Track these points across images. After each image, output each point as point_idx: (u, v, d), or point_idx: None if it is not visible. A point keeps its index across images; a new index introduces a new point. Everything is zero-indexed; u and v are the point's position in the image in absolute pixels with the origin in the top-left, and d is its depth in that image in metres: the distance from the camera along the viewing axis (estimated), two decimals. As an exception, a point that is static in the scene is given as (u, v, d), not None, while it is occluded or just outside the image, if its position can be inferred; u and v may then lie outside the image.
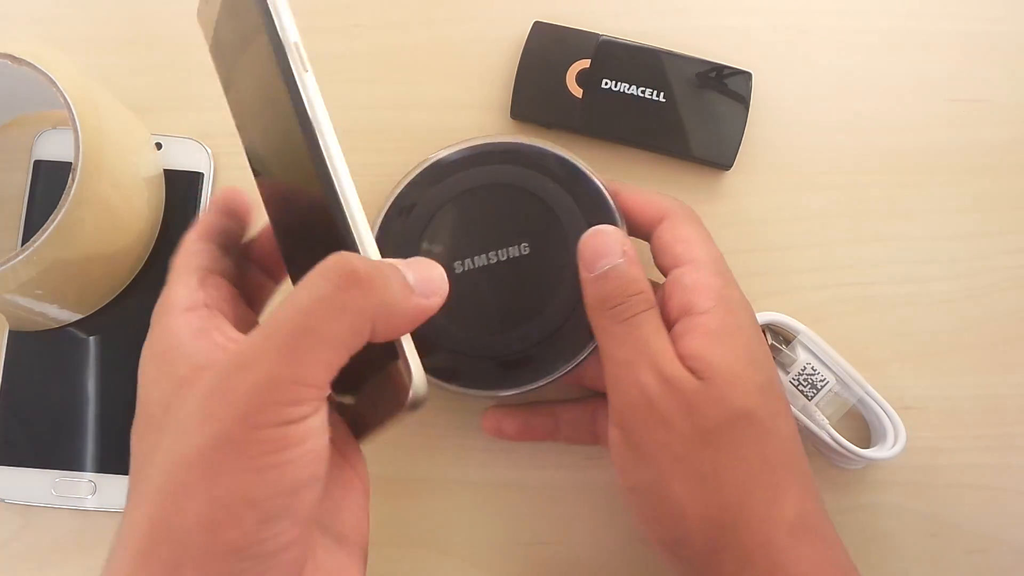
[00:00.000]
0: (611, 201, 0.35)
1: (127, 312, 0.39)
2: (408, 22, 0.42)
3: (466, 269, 0.35)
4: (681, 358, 0.30)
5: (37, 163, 0.40)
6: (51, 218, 0.32)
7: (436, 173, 0.36)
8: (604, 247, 0.32)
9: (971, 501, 0.38)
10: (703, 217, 0.40)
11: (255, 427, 0.22)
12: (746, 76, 0.40)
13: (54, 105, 0.33)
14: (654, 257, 0.34)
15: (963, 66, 0.41)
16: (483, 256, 0.35)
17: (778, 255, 0.40)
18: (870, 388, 0.37)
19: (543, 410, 0.37)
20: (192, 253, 0.29)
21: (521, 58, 0.40)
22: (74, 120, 0.33)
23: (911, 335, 0.39)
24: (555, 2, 0.41)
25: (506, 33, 0.41)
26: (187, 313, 0.27)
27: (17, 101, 0.38)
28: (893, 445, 0.36)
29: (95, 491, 0.37)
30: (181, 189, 0.40)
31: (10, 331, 0.39)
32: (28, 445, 0.38)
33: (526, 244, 0.35)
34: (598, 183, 0.35)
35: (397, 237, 0.36)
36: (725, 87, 0.40)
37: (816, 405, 0.37)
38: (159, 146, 0.40)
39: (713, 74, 0.40)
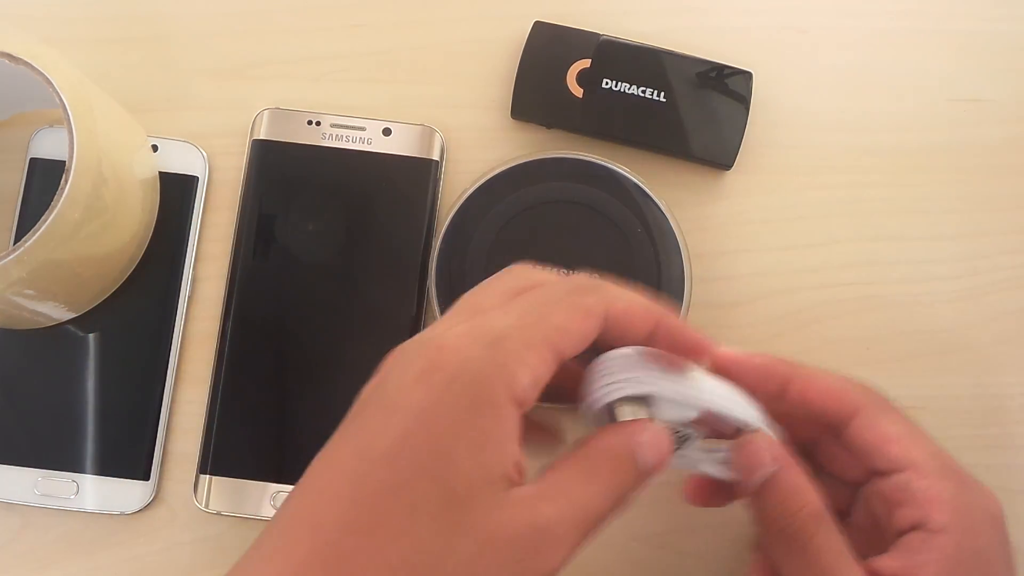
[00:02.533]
0: (675, 231, 0.37)
1: (118, 313, 0.39)
2: (408, 22, 0.42)
3: None
4: (894, 575, 0.27)
5: (33, 161, 0.40)
6: (43, 218, 0.32)
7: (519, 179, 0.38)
8: (754, 457, 0.28)
9: (971, 501, 0.38)
10: (703, 217, 0.40)
11: None
12: (746, 76, 0.40)
13: (51, 103, 0.33)
14: (856, 457, 0.30)
15: (963, 66, 0.41)
16: (554, 270, 0.36)
17: (778, 255, 0.40)
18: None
19: None
20: (565, 332, 0.25)
21: (521, 58, 0.40)
22: (69, 121, 0.33)
23: (911, 335, 0.39)
24: (555, 2, 0.41)
25: (506, 33, 0.41)
26: (515, 407, 0.23)
27: (14, 99, 0.38)
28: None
29: (77, 491, 0.37)
30: (176, 192, 0.40)
31: (0, 329, 0.38)
32: (13, 443, 0.38)
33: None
34: (665, 213, 0.37)
35: (464, 237, 0.37)
36: (725, 87, 0.40)
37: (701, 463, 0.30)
38: (155, 148, 0.40)
39: (713, 74, 0.40)
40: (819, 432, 0.31)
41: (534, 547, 0.22)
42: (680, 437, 0.28)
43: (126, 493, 0.37)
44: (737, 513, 0.37)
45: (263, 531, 0.23)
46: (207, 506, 0.37)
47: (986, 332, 0.39)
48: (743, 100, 0.40)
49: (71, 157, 0.33)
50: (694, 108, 0.39)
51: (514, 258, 0.37)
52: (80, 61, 0.37)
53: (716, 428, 0.29)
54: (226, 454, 0.37)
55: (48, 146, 0.40)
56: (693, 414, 0.27)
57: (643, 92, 0.39)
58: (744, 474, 0.28)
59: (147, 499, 0.37)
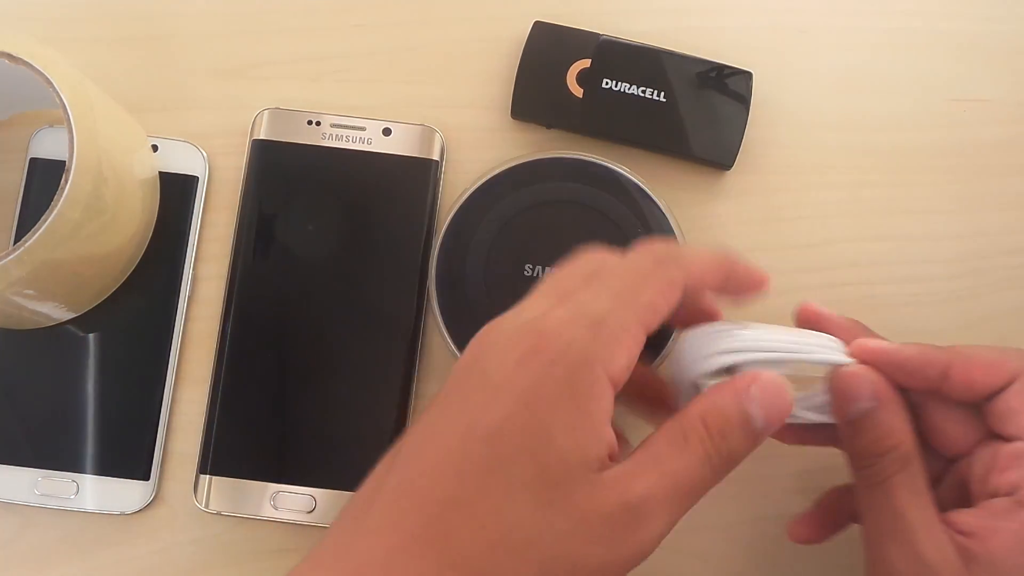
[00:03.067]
0: (675, 231, 0.37)
1: (118, 313, 0.39)
2: (408, 22, 0.42)
3: (535, 276, 0.37)
4: (971, 534, 0.27)
5: (33, 161, 0.40)
6: (43, 218, 0.32)
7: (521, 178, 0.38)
8: (854, 388, 0.28)
9: (971, 501, 0.38)
10: (703, 217, 0.40)
11: (628, 566, 0.23)
12: (746, 76, 0.40)
13: (51, 103, 0.33)
14: (988, 416, 0.29)
15: (963, 66, 0.41)
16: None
17: (778, 255, 0.40)
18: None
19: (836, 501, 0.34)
20: (655, 309, 0.25)
21: (521, 58, 0.40)
22: (69, 120, 0.33)
23: (911, 335, 0.39)
24: (555, 2, 0.41)
25: (506, 33, 0.41)
26: (611, 387, 0.24)
27: (14, 99, 0.38)
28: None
29: (77, 491, 0.37)
30: (176, 192, 0.40)
31: (0, 329, 0.38)
32: (13, 443, 0.38)
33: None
34: (664, 211, 0.38)
35: (467, 237, 0.37)
36: (725, 87, 0.40)
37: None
38: (155, 148, 0.40)
39: (713, 74, 0.40)
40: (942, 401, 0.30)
41: (626, 524, 0.23)
42: None
43: (126, 493, 0.37)
44: (737, 513, 0.38)
45: (359, 503, 0.24)
46: (207, 506, 0.37)
47: (986, 332, 0.39)
48: (743, 100, 0.40)
49: (71, 157, 0.33)
50: (694, 108, 0.39)
51: (514, 258, 0.37)
52: (80, 61, 0.37)
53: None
54: (226, 454, 0.37)
55: (48, 146, 0.40)
56: (784, 369, 0.27)
57: (643, 92, 0.39)
58: (839, 405, 0.28)
59: (147, 499, 0.37)
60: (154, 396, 0.38)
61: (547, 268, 0.37)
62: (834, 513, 0.33)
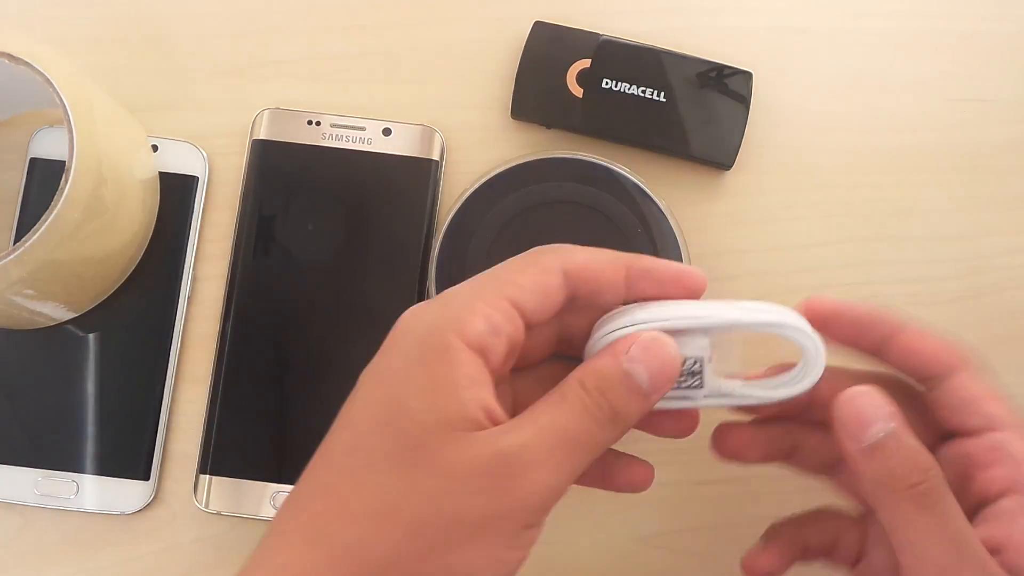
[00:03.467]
0: (675, 231, 0.37)
1: (118, 313, 0.39)
2: (408, 22, 0.42)
3: None
4: (999, 549, 0.25)
5: (33, 161, 0.40)
6: (43, 218, 0.32)
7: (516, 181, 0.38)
8: (870, 411, 0.26)
9: (971, 501, 0.38)
10: (703, 217, 0.40)
11: (516, 522, 0.23)
12: (746, 76, 0.40)
13: (51, 104, 0.33)
14: (941, 412, 0.29)
15: (963, 66, 0.41)
16: None
17: (778, 255, 0.40)
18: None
19: (780, 428, 0.32)
20: (517, 284, 0.25)
21: (521, 58, 0.40)
22: (69, 121, 0.33)
23: (911, 335, 0.39)
24: (555, 2, 0.41)
25: (506, 33, 0.41)
26: (472, 352, 0.24)
27: (14, 99, 0.38)
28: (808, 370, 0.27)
29: (77, 491, 0.37)
30: (176, 192, 0.40)
31: (0, 329, 0.38)
32: (13, 443, 0.38)
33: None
34: (661, 206, 0.38)
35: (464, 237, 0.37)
36: (725, 87, 0.40)
37: (706, 393, 0.27)
38: (155, 148, 0.40)
39: (713, 74, 0.40)
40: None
41: (504, 474, 0.23)
42: (691, 371, 0.26)
43: (126, 493, 0.37)
44: (738, 514, 0.38)
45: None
46: (207, 506, 0.37)
47: (986, 332, 0.39)
48: (743, 100, 0.40)
49: (71, 157, 0.33)
50: (694, 108, 0.39)
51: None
52: (80, 61, 0.37)
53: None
54: (226, 454, 0.37)
55: (48, 146, 0.40)
56: (704, 339, 0.26)
57: (643, 92, 0.39)
58: (860, 427, 0.26)
59: (147, 499, 0.37)
60: (154, 396, 0.38)
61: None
62: (789, 545, 0.31)
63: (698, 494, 0.38)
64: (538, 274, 0.26)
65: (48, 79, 0.33)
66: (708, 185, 0.40)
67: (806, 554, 0.31)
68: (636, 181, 0.38)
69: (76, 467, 0.37)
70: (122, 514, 0.37)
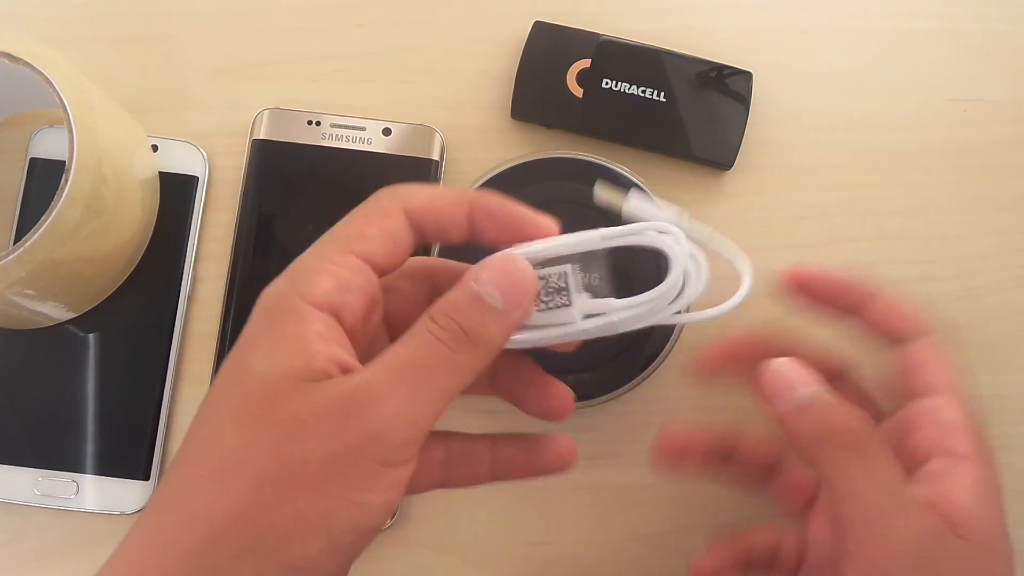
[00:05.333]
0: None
1: (118, 313, 0.39)
2: (408, 22, 0.42)
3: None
4: (932, 504, 0.26)
5: (33, 161, 0.40)
6: (43, 218, 0.32)
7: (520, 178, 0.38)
8: (793, 376, 0.27)
9: (971, 501, 0.38)
10: (703, 217, 0.40)
11: (370, 460, 0.22)
12: (746, 76, 0.40)
13: (51, 103, 0.33)
14: (892, 374, 0.30)
15: (963, 66, 0.41)
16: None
17: (778, 255, 0.40)
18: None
19: (716, 434, 0.33)
20: (361, 236, 0.25)
21: (521, 58, 0.40)
22: (69, 121, 0.33)
23: (911, 335, 0.39)
24: (555, 2, 0.41)
25: (506, 33, 0.41)
26: (321, 312, 0.24)
27: (14, 99, 0.38)
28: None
29: (77, 491, 0.37)
30: (176, 192, 0.40)
31: (0, 329, 0.38)
32: (13, 443, 0.38)
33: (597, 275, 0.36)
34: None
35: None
36: (725, 87, 0.40)
37: (579, 311, 0.26)
38: (155, 148, 0.40)
39: (713, 74, 0.40)
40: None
41: (348, 412, 0.22)
42: (556, 287, 0.26)
43: (126, 493, 0.37)
44: (735, 514, 0.38)
45: None
46: (207, 506, 0.37)
47: (986, 332, 0.39)
48: (743, 100, 0.40)
49: (71, 157, 0.33)
50: (694, 108, 0.39)
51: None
52: (80, 61, 0.37)
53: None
54: (226, 454, 0.37)
55: (48, 146, 0.40)
56: (567, 264, 0.26)
57: (643, 92, 0.39)
58: (783, 391, 0.27)
59: (147, 499, 0.37)
60: (154, 396, 0.38)
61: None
62: (732, 552, 0.32)
63: (698, 494, 0.38)
64: (381, 220, 0.25)
65: (48, 79, 0.33)
66: (708, 185, 0.40)
67: (749, 563, 0.32)
68: (636, 181, 0.38)
69: (76, 467, 0.37)
70: (122, 514, 0.37)
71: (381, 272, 0.25)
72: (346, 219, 0.26)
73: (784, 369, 0.27)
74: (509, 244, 0.26)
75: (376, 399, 0.23)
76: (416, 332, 0.24)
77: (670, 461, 0.32)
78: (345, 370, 0.23)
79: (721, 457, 0.33)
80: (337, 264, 0.24)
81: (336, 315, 0.24)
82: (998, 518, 0.27)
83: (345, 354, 0.24)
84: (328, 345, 0.23)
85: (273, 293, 0.24)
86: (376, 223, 0.25)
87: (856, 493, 0.26)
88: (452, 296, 0.24)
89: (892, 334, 0.31)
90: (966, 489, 0.26)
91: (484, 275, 0.24)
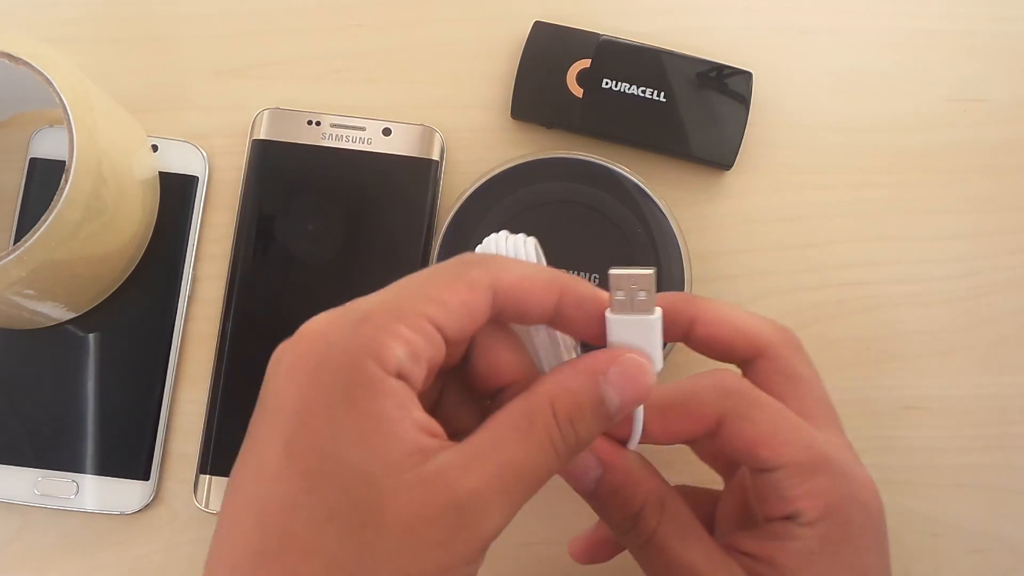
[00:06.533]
0: (675, 231, 0.37)
1: (118, 313, 0.39)
2: (408, 22, 0.42)
3: None
4: (756, 557, 0.26)
5: (33, 161, 0.40)
6: (42, 218, 0.32)
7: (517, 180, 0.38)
8: (579, 464, 0.26)
9: (971, 501, 0.38)
10: (703, 217, 0.40)
11: (465, 564, 0.21)
12: (746, 76, 0.40)
13: (52, 103, 0.33)
14: (723, 460, 0.30)
15: (963, 66, 0.41)
16: None
17: (778, 255, 0.40)
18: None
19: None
20: (441, 303, 0.22)
21: (521, 58, 0.40)
22: (69, 121, 0.33)
23: (911, 335, 0.39)
24: (555, 2, 0.41)
25: (506, 33, 0.41)
26: (397, 381, 0.21)
27: (15, 99, 0.38)
28: None
29: (77, 491, 0.37)
30: (176, 192, 0.40)
31: (0, 329, 0.38)
32: (13, 443, 0.38)
33: (596, 276, 0.37)
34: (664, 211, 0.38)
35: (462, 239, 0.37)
36: (725, 87, 0.40)
37: None
38: (155, 148, 0.40)
39: (713, 74, 0.40)
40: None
41: (459, 524, 0.21)
42: None
43: (126, 493, 0.37)
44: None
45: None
46: (207, 506, 0.37)
47: (986, 332, 0.39)
48: (743, 100, 0.40)
49: (71, 157, 0.32)
50: (694, 108, 0.39)
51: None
52: (80, 61, 0.37)
53: None
54: (226, 454, 0.37)
55: (48, 146, 0.40)
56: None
57: (643, 92, 0.39)
58: (580, 477, 0.26)
59: (147, 499, 0.37)
60: (154, 396, 0.38)
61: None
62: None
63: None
64: (465, 291, 0.23)
65: (48, 79, 0.33)
66: (708, 185, 0.40)
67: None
68: (636, 181, 0.38)
69: (76, 467, 0.37)
70: (122, 514, 0.37)
71: (448, 342, 0.23)
72: (428, 274, 0.23)
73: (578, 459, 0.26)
74: (593, 338, 0.25)
75: (485, 511, 0.21)
76: (538, 430, 0.22)
77: (592, 562, 0.32)
78: (430, 432, 0.22)
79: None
80: (412, 328, 0.22)
81: (405, 381, 0.22)
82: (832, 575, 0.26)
83: (424, 416, 0.22)
84: (411, 415, 0.21)
85: (340, 349, 0.21)
86: (460, 294, 0.23)
87: (654, 572, 0.26)
88: (579, 392, 0.23)
89: (726, 355, 0.28)
90: (793, 552, 0.25)
91: (613, 376, 0.23)
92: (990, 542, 0.38)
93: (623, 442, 0.27)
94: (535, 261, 0.25)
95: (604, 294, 0.24)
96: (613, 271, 0.24)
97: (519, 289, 0.23)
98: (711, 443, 0.27)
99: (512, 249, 0.25)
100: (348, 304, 0.23)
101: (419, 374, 0.22)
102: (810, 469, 0.26)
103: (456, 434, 0.23)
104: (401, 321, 0.22)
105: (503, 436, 0.22)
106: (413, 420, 0.21)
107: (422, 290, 0.23)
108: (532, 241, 0.26)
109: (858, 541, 0.26)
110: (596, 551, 0.32)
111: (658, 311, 0.24)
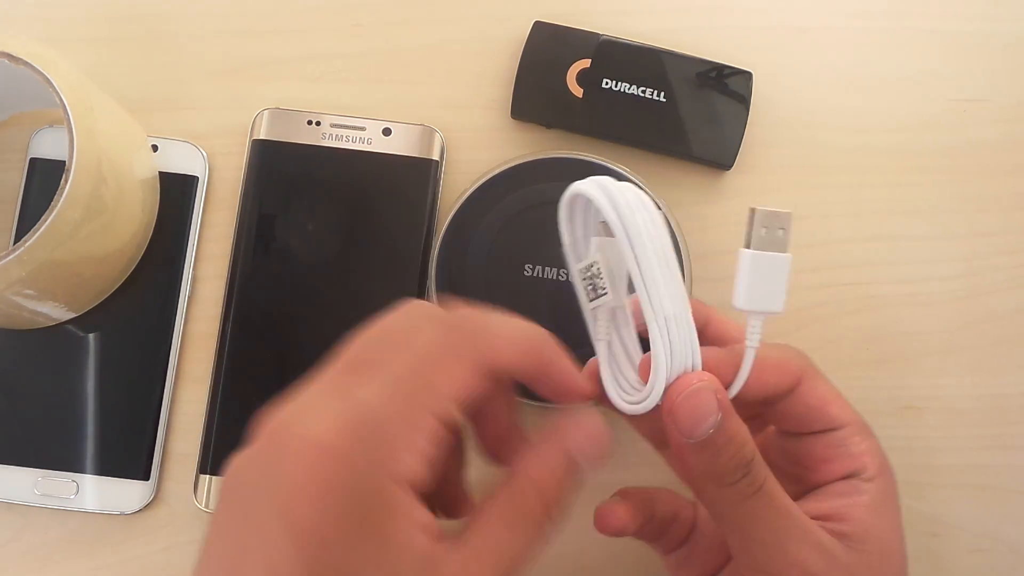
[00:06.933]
0: (675, 231, 0.37)
1: (118, 313, 0.39)
2: (408, 22, 0.42)
3: (535, 276, 0.37)
4: (828, 517, 0.28)
5: (33, 161, 0.40)
6: (42, 218, 0.32)
7: (518, 179, 0.38)
8: (702, 408, 0.26)
9: (971, 501, 0.38)
10: (703, 217, 0.40)
11: None
12: (746, 76, 0.40)
13: (52, 103, 0.33)
14: (787, 420, 0.30)
15: (962, 66, 0.41)
16: (554, 270, 0.37)
17: (778, 255, 0.40)
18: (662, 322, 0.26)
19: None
20: (440, 394, 0.23)
21: (521, 58, 0.40)
22: (69, 121, 0.33)
23: (911, 335, 0.39)
24: (555, 2, 0.41)
25: (506, 33, 0.41)
26: (411, 494, 0.22)
27: (15, 99, 0.38)
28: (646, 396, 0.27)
29: (77, 491, 0.37)
30: (176, 192, 0.40)
31: (0, 329, 0.38)
32: (13, 443, 0.38)
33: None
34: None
35: (464, 241, 0.37)
36: (725, 87, 0.40)
37: (595, 312, 0.28)
38: (155, 148, 0.40)
39: (713, 74, 0.40)
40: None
41: None
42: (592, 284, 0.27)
43: (126, 493, 0.37)
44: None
45: None
46: (207, 506, 0.37)
47: (986, 332, 0.39)
48: (743, 100, 0.40)
49: (71, 157, 0.33)
50: (694, 108, 0.39)
51: (514, 258, 0.37)
52: (80, 61, 0.37)
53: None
54: (226, 454, 0.37)
55: (48, 146, 0.40)
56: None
57: (643, 92, 0.39)
58: (692, 425, 0.26)
59: (147, 499, 0.37)
60: (154, 396, 0.38)
61: (547, 268, 0.37)
62: (640, 507, 0.32)
63: (698, 494, 0.38)
64: (464, 377, 0.23)
65: (48, 79, 0.33)
66: (708, 185, 0.40)
67: (651, 523, 0.32)
68: (636, 181, 0.38)
69: (76, 467, 0.37)
70: (122, 514, 0.37)
71: (447, 426, 0.23)
72: (430, 365, 0.23)
73: (697, 397, 0.26)
74: (558, 398, 0.27)
75: None
76: (529, 524, 0.24)
77: (613, 535, 0.32)
78: (435, 535, 0.22)
79: (659, 529, 0.33)
80: (424, 436, 0.22)
81: (417, 487, 0.22)
82: (893, 529, 0.29)
83: (430, 517, 0.23)
84: (422, 517, 0.22)
85: (359, 474, 0.21)
86: (463, 382, 0.23)
87: (742, 528, 0.27)
88: (557, 469, 0.25)
89: (773, 395, 0.29)
90: (863, 506, 0.28)
91: (583, 442, 0.25)
92: (990, 542, 0.38)
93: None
94: (654, 218, 0.26)
95: (565, 359, 0.26)
96: (757, 207, 0.27)
97: (510, 361, 0.25)
98: (783, 404, 0.29)
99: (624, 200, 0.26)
100: (349, 401, 0.23)
101: (430, 475, 0.23)
102: (867, 431, 0.30)
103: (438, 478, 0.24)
104: (415, 430, 0.22)
105: (497, 534, 0.24)
106: (422, 528, 0.22)
107: (427, 384, 0.23)
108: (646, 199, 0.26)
109: (896, 500, 0.30)
110: (626, 523, 0.31)
111: (790, 253, 0.27)
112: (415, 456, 0.22)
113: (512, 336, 0.25)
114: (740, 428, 0.26)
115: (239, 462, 0.23)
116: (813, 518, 0.28)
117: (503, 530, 0.24)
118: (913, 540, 0.38)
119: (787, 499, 0.27)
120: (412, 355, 0.24)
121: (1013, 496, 0.38)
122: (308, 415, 0.23)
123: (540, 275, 0.37)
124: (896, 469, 0.38)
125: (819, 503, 0.29)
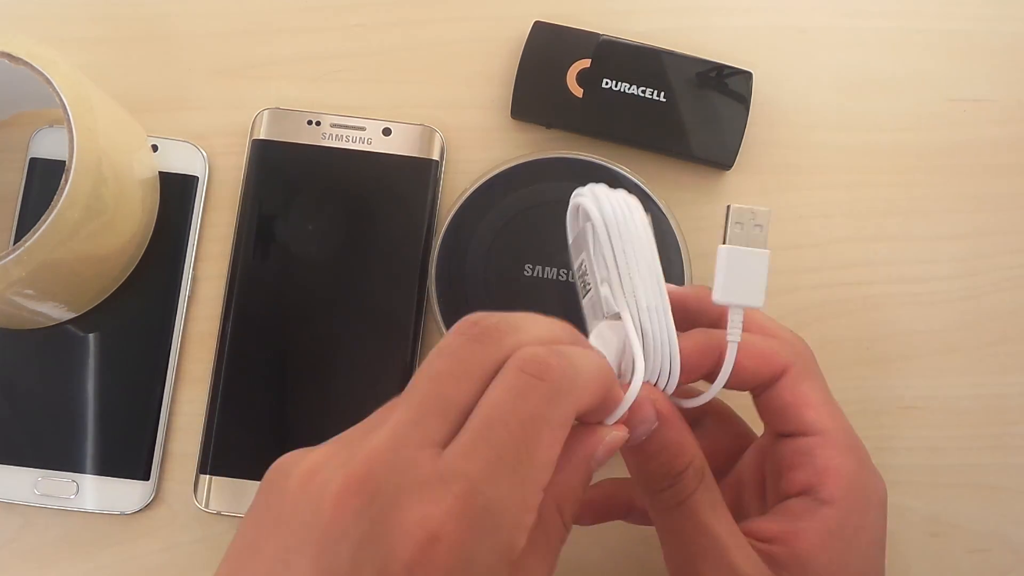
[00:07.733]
0: (675, 231, 0.37)
1: (118, 313, 0.39)
2: (408, 22, 0.42)
3: (535, 276, 0.37)
4: (773, 539, 0.26)
5: (33, 160, 0.40)
6: (42, 218, 0.32)
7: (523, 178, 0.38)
8: (639, 415, 0.25)
9: (971, 501, 0.38)
10: (703, 217, 0.40)
11: None
12: (746, 76, 0.40)
13: (52, 103, 0.33)
14: (764, 414, 0.29)
15: (962, 66, 0.41)
16: (554, 270, 0.37)
17: (778, 255, 0.39)
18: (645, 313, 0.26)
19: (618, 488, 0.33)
20: (548, 466, 0.22)
21: (521, 58, 0.40)
22: (69, 121, 0.33)
23: (911, 335, 0.39)
24: (555, 2, 0.41)
25: (506, 33, 0.41)
26: (517, 566, 0.22)
27: (15, 99, 0.38)
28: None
29: (77, 491, 0.37)
30: (176, 192, 0.40)
31: (0, 329, 0.38)
32: (13, 443, 0.38)
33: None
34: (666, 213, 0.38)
35: (466, 240, 0.37)
36: (725, 87, 0.40)
37: (585, 308, 0.29)
38: (155, 148, 0.40)
39: (713, 74, 0.40)
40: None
41: None
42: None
43: (126, 493, 0.37)
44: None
45: None
46: (207, 506, 0.37)
47: (986, 332, 0.39)
48: (743, 100, 0.40)
49: (71, 157, 0.33)
50: (694, 108, 0.39)
51: (514, 258, 0.37)
52: (80, 61, 0.37)
53: None
54: (226, 454, 0.37)
55: (48, 146, 0.40)
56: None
57: (643, 92, 0.39)
58: (631, 424, 0.26)
59: (147, 499, 0.37)
60: (154, 396, 0.38)
61: (547, 268, 0.37)
62: (608, 502, 0.32)
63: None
64: (560, 439, 0.22)
65: (48, 79, 0.33)
66: (708, 185, 0.40)
67: (631, 511, 0.32)
68: (636, 181, 0.38)
69: (76, 467, 0.37)
70: (122, 514, 0.37)
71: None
72: (533, 435, 0.22)
73: (639, 398, 0.25)
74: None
75: None
76: (552, 546, 0.24)
77: (593, 521, 0.32)
78: None
79: (621, 510, 0.32)
80: (531, 512, 0.22)
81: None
82: (844, 565, 0.26)
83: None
84: None
85: (470, 556, 0.20)
86: (557, 446, 0.22)
87: (666, 538, 0.27)
88: (577, 487, 0.24)
89: (754, 384, 0.28)
90: (811, 532, 0.26)
91: (602, 455, 0.24)
92: (990, 542, 0.38)
93: (709, 380, 0.28)
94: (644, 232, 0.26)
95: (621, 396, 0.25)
96: (734, 205, 0.27)
97: (595, 410, 0.24)
98: (762, 398, 0.28)
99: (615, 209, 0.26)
100: (462, 484, 0.21)
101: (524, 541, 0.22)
102: (845, 446, 0.27)
103: None
104: (528, 511, 0.21)
105: (533, 565, 0.23)
106: None
107: (532, 459, 0.22)
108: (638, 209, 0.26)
109: (871, 534, 0.27)
110: (586, 515, 0.32)
111: (768, 249, 0.27)
112: (526, 535, 0.21)
113: (592, 380, 0.24)
114: (679, 439, 0.26)
115: (334, 515, 0.21)
116: (762, 538, 0.26)
117: (536, 562, 0.23)
118: (913, 540, 0.38)
119: (715, 516, 0.26)
120: (515, 421, 0.22)
121: (1013, 496, 0.38)
122: (414, 492, 0.21)
123: (540, 275, 0.37)
124: (896, 469, 0.38)
125: (771, 521, 0.27)
